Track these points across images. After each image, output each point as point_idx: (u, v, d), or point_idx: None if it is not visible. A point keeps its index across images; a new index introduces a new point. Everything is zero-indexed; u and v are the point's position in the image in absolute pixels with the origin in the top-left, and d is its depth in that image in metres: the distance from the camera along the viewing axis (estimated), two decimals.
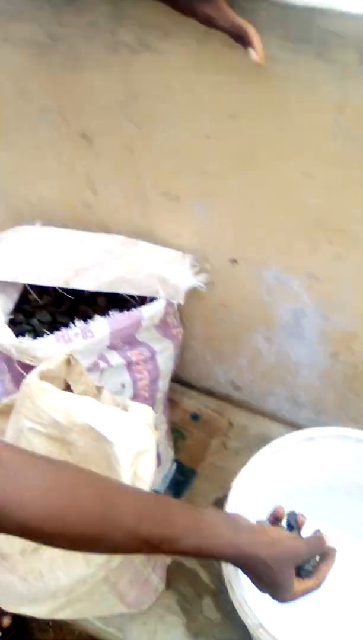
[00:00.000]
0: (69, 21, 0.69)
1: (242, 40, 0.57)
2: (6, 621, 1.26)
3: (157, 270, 0.91)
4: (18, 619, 1.29)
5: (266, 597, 0.63)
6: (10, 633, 1.26)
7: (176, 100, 0.71)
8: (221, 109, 0.69)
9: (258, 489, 0.87)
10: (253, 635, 0.74)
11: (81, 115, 0.80)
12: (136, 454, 0.71)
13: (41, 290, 1.00)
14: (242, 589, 0.73)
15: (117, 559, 0.76)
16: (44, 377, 0.73)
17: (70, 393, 0.73)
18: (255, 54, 0.57)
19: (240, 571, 0.72)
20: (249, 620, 0.72)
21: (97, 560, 0.73)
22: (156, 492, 1.11)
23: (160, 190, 0.84)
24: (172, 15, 0.60)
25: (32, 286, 0.99)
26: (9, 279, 0.94)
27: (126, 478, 0.69)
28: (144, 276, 0.91)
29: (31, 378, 0.72)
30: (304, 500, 0.96)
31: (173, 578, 1.02)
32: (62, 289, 0.98)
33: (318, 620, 0.90)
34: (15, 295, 1.01)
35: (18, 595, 0.80)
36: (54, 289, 0.99)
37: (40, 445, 0.71)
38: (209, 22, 0.58)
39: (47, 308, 1.03)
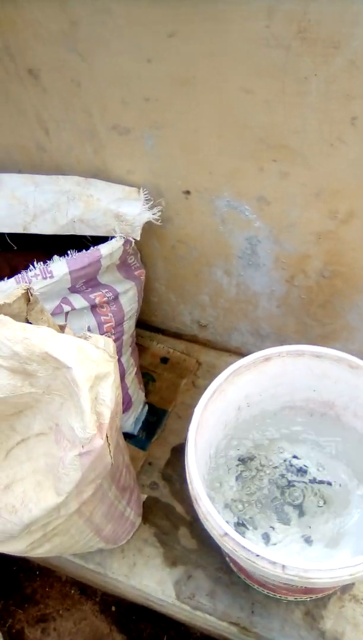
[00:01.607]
0: None
1: None
2: None
3: (112, 207, 0.89)
4: (3, 568, 1.29)
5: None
6: None
7: (116, 23, 0.69)
8: (160, 29, 0.68)
9: (220, 411, 0.87)
10: (221, 545, 0.74)
11: (26, 50, 0.78)
12: (96, 377, 0.71)
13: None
14: (205, 504, 0.73)
15: (88, 490, 0.76)
16: (2, 312, 0.72)
17: (27, 324, 0.72)
18: None
19: (202, 487, 0.73)
20: (215, 532, 0.72)
21: (65, 488, 0.73)
22: (128, 434, 1.11)
23: (110, 124, 0.82)
24: None
25: None
26: None
27: (86, 402, 0.68)
28: (100, 215, 0.90)
29: None
30: (268, 423, 0.97)
31: (149, 512, 1.03)
32: (16, 238, 0.97)
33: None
34: None
35: None
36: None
37: (2, 380, 0.70)
38: None
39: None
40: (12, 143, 0.93)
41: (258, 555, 0.69)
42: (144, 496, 1.04)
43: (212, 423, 0.85)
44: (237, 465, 0.99)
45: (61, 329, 0.84)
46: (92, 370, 0.68)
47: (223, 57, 0.68)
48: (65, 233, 0.91)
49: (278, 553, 0.91)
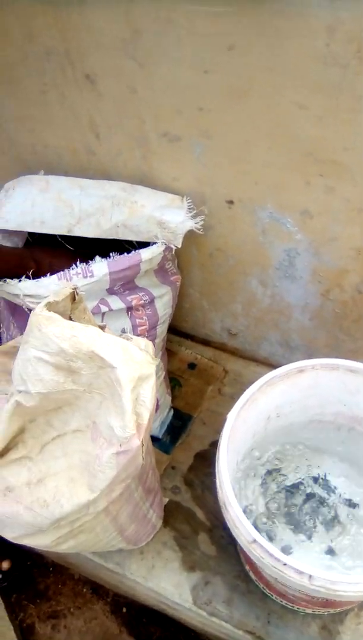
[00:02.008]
0: None
1: None
2: (5, 565, 1.26)
3: (156, 214, 0.90)
4: (18, 562, 1.29)
5: None
6: (11, 576, 1.26)
7: (177, 34, 0.71)
8: (219, 41, 0.69)
9: (251, 420, 0.87)
10: (247, 552, 0.74)
11: (86, 56, 0.79)
12: (138, 378, 0.71)
13: (45, 238, 1.01)
14: (234, 509, 0.73)
15: (118, 489, 0.76)
16: (50, 309, 0.74)
17: (76, 322, 0.73)
18: None
19: (232, 493, 0.73)
20: (242, 538, 0.72)
21: (99, 485, 0.74)
22: (153, 437, 1.12)
23: (161, 131, 0.84)
24: None
25: (36, 235, 0.99)
26: (13, 228, 0.94)
27: (128, 402, 0.69)
28: (143, 221, 0.91)
29: (39, 308, 0.72)
30: (295, 434, 0.97)
31: (170, 516, 1.03)
32: (63, 237, 0.99)
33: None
34: (20, 244, 1.02)
35: (23, 526, 0.80)
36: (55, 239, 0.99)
37: (46, 375, 0.71)
38: None
39: None
40: (63, 145, 0.95)
41: (285, 564, 0.69)
42: (166, 499, 1.04)
43: (242, 431, 0.85)
44: (261, 475, 0.99)
45: (101, 329, 0.85)
46: (135, 371, 0.69)
47: (279, 72, 0.69)
48: (108, 237, 0.92)
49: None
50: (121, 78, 0.80)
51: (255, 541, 0.71)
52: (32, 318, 0.71)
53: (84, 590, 1.27)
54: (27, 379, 0.71)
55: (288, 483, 0.97)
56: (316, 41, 0.64)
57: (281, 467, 0.99)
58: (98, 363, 0.69)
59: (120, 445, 0.70)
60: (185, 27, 0.69)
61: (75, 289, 0.76)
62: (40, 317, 0.69)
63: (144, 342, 0.77)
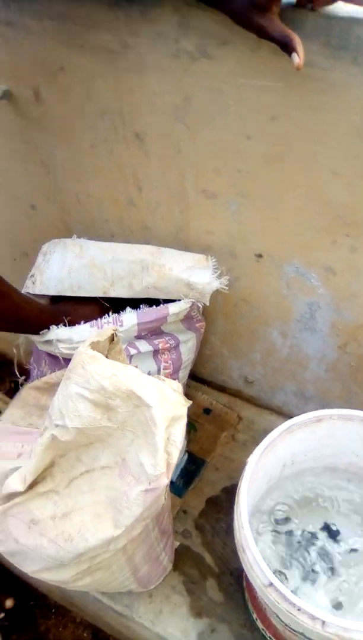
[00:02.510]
0: (140, 30, 0.76)
1: (287, 48, 0.64)
2: (9, 603, 1.23)
3: (183, 276, 0.95)
4: (22, 601, 1.25)
5: None
6: (13, 615, 1.22)
7: (225, 103, 0.77)
8: (264, 111, 0.75)
9: (268, 466, 0.88)
10: (262, 596, 0.74)
11: (138, 117, 0.86)
12: (171, 419, 0.73)
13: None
14: (252, 551, 0.73)
15: (138, 528, 0.76)
16: (93, 348, 0.76)
17: (116, 362, 0.75)
18: (297, 59, 0.63)
19: (251, 535, 0.73)
20: (259, 581, 0.72)
21: (124, 522, 0.74)
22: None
23: (200, 188, 0.89)
24: (230, 26, 0.66)
25: None
26: (53, 293, 1.00)
27: (161, 440, 0.71)
28: (172, 284, 0.96)
29: (84, 347, 0.75)
30: (308, 481, 0.98)
31: (179, 560, 1.02)
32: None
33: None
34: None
35: (45, 559, 0.80)
36: None
37: (84, 410, 0.73)
38: (261, 31, 0.64)
39: None
40: (105, 195, 1.00)
41: (299, 609, 0.69)
42: (177, 543, 1.03)
43: (259, 477, 0.86)
44: (272, 521, 0.98)
45: None
46: (169, 411, 0.71)
47: (316, 141, 0.74)
48: (140, 297, 0.97)
49: None
50: (168, 138, 0.86)
51: (271, 584, 0.71)
52: (77, 356, 0.73)
53: (85, 634, 1.23)
54: (66, 413, 0.73)
55: (298, 531, 0.96)
56: (353, 117, 0.70)
57: (292, 514, 0.99)
58: (135, 402, 0.71)
59: (149, 482, 0.71)
60: (233, 98, 0.76)
61: (115, 331, 0.79)
62: (84, 356, 0.72)
63: (176, 384, 0.79)
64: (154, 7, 0.73)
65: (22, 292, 1.01)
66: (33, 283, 1.02)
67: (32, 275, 1.03)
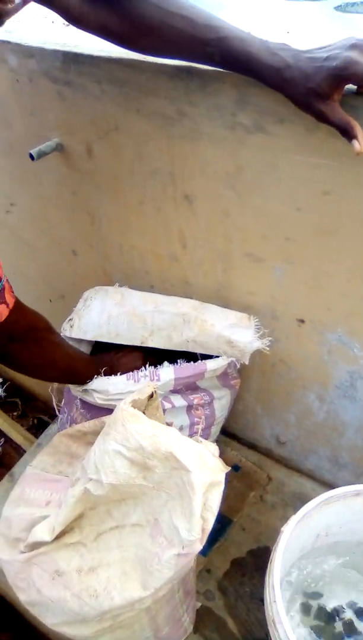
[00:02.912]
0: (198, 101, 0.80)
1: (347, 133, 0.67)
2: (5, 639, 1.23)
3: (225, 333, 0.97)
4: (19, 638, 1.25)
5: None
6: None
7: (278, 176, 0.80)
8: (316, 186, 0.78)
9: (302, 537, 0.89)
10: None
11: (188, 180, 0.89)
12: (209, 485, 0.75)
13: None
14: (285, 627, 0.74)
15: (165, 589, 0.77)
16: (133, 405, 0.79)
17: (157, 422, 0.78)
18: (358, 145, 0.66)
19: (284, 610, 0.73)
20: None
21: (154, 584, 0.75)
22: None
23: (246, 251, 0.92)
24: (288, 105, 0.70)
25: None
26: (90, 339, 1.04)
27: (198, 506, 0.72)
28: (213, 339, 0.98)
29: (124, 404, 0.77)
30: (340, 555, 0.98)
31: (200, 622, 1.02)
32: None
33: None
34: (89, 347, 1.10)
35: (67, 613, 0.81)
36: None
37: (121, 468, 0.75)
38: (321, 117, 0.67)
39: None
40: (148, 249, 1.04)
41: None
42: (199, 604, 1.03)
43: (292, 546, 0.86)
44: (303, 593, 0.98)
45: (168, 426, 0.89)
46: (207, 477, 0.73)
47: None
48: (178, 349, 0.99)
49: None
50: (217, 203, 0.89)
51: None
52: (117, 413, 0.76)
53: None
54: (101, 469, 0.75)
55: (329, 607, 0.96)
56: None
57: (322, 586, 0.98)
58: (173, 464, 0.73)
59: (183, 547, 0.72)
60: (286, 172, 0.79)
61: (155, 389, 0.81)
62: (125, 413, 0.74)
63: (214, 447, 0.81)
64: (214, 81, 0.77)
65: (61, 333, 1.04)
66: (71, 327, 1.05)
67: (71, 319, 1.06)
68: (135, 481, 0.75)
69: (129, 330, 1.02)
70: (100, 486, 0.76)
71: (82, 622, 0.81)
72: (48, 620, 0.85)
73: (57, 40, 0.92)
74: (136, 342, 1.01)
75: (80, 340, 1.07)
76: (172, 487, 0.74)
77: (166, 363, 0.98)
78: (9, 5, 0.65)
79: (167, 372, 0.97)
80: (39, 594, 0.81)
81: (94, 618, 0.79)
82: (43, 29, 0.99)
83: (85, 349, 1.08)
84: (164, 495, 0.76)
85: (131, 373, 0.96)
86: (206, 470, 0.73)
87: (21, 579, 0.83)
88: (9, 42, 0.94)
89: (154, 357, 1.03)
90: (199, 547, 0.72)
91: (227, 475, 1.19)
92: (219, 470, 0.75)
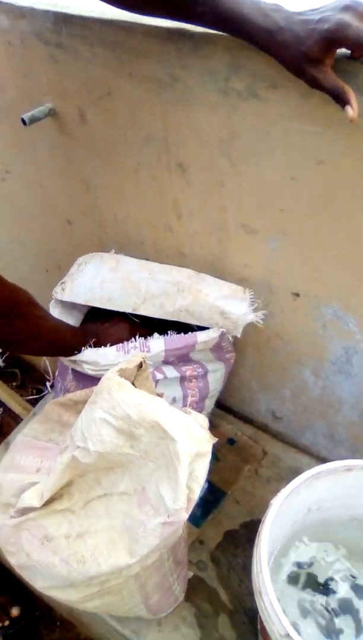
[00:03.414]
0: (190, 65, 0.80)
1: (340, 99, 0.67)
2: (15, 611, 1.29)
3: (218, 303, 0.99)
4: (27, 611, 1.32)
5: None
6: (18, 624, 1.28)
7: (272, 143, 0.80)
8: (311, 155, 0.78)
9: (292, 510, 0.91)
10: None
11: (182, 147, 0.90)
12: (195, 455, 0.77)
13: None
14: (270, 598, 0.77)
15: (153, 557, 0.81)
16: (121, 374, 0.81)
17: (144, 392, 0.80)
18: (351, 111, 0.66)
19: (270, 580, 0.76)
20: (275, 629, 0.75)
21: (140, 551, 0.78)
22: None
23: (241, 222, 0.93)
24: (282, 70, 0.70)
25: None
26: (82, 302, 1.05)
27: (183, 475, 0.75)
28: (206, 309, 0.99)
29: (111, 373, 0.80)
30: (332, 530, 1.00)
31: (192, 591, 1.05)
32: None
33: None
34: (80, 318, 1.12)
35: (55, 578, 0.85)
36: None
37: (107, 436, 0.78)
38: (314, 82, 0.67)
39: None
40: (144, 219, 1.05)
41: None
42: (191, 574, 1.07)
43: (283, 519, 0.89)
44: (294, 569, 1.01)
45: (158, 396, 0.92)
46: (194, 447, 0.75)
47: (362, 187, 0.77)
48: (170, 319, 1.01)
49: None
50: (211, 171, 0.90)
51: (287, 635, 0.74)
52: (104, 382, 0.78)
53: None
54: (88, 437, 0.78)
55: (321, 581, 0.99)
56: None
57: (315, 562, 1.01)
58: (160, 434, 0.75)
59: (168, 516, 0.75)
60: (281, 140, 0.79)
61: (144, 358, 0.84)
62: (112, 382, 0.77)
63: (203, 418, 0.83)
64: (206, 44, 0.77)
65: (52, 298, 1.06)
66: (63, 290, 1.07)
67: (63, 282, 1.08)
68: (122, 450, 0.78)
69: (121, 296, 1.03)
70: (87, 454, 0.79)
71: (71, 587, 0.85)
72: (38, 584, 0.89)
73: (49, 1, 0.92)
74: (128, 309, 1.02)
75: (72, 306, 1.09)
76: (159, 456, 0.77)
77: (156, 334, 1.00)
78: None
79: (157, 344, 0.98)
80: (28, 558, 0.85)
81: (81, 583, 0.83)
82: None
83: (77, 317, 1.09)
84: (151, 465, 0.78)
85: (120, 344, 0.98)
86: (192, 440, 0.75)
87: (11, 543, 0.87)
88: (0, 2, 0.95)
89: (147, 328, 1.04)
90: (184, 516, 0.75)
91: (220, 447, 1.24)
92: (206, 441, 0.78)
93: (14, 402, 1.73)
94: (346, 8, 0.63)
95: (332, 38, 0.63)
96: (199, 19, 0.72)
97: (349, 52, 0.67)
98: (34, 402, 1.75)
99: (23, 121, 0.98)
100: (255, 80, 0.76)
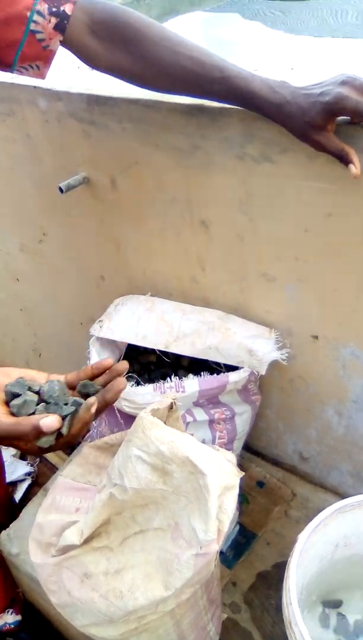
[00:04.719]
0: (209, 135, 0.90)
1: (344, 159, 0.75)
2: None
3: (246, 342, 1.05)
4: None
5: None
6: None
7: (285, 200, 0.89)
8: (320, 209, 0.87)
9: (319, 545, 0.94)
10: None
11: (204, 207, 0.99)
12: (224, 488, 0.82)
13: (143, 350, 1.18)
14: (301, 629, 0.79)
15: (187, 593, 0.84)
16: (153, 414, 0.88)
17: (175, 429, 0.86)
18: (354, 169, 0.75)
19: (299, 612, 0.79)
20: None
21: (175, 584, 0.82)
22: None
23: (260, 272, 1.01)
24: (291, 137, 0.79)
25: (136, 346, 1.16)
26: (118, 339, 1.12)
27: (213, 508, 0.80)
28: (234, 347, 1.05)
29: (144, 413, 0.86)
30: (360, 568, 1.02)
31: (226, 634, 1.07)
32: (160, 351, 1.15)
33: None
34: (117, 353, 1.19)
35: (95, 614, 0.88)
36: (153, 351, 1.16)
37: (142, 472, 0.83)
38: (319, 147, 0.76)
39: (147, 365, 1.20)
40: (170, 272, 1.14)
41: None
42: (224, 615, 1.09)
43: (310, 555, 0.92)
44: (322, 605, 1.03)
45: None
46: (222, 480, 0.80)
47: None
48: (200, 357, 1.07)
49: None
50: (231, 227, 0.98)
51: None
52: (138, 421, 0.85)
53: None
54: (124, 474, 0.83)
55: (350, 619, 1.00)
56: None
57: (345, 600, 1.03)
58: (190, 468, 0.81)
59: (200, 547, 0.80)
60: (293, 197, 0.88)
61: (174, 400, 0.90)
62: (145, 421, 0.83)
63: (230, 455, 0.89)
64: (223, 116, 0.87)
65: (90, 334, 1.13)
66: (100, 327, 1.13)
67: (100, 321, 1.15)
68: (156, 486, 0.83)
69: (155, 334, 1.09)
70: (124, 491, 0.84)
71: (109, 623, 0.89)
72: (77, 621, 0.92)
73: (83, 84, 1.04)
74: (161, 347, 1.08)
75: (110, 344, 1.15)
76: (190, 490, 0.82)
77: (190, 375, 1.07)
78: None
79: (192, 384, 1.04)
80: (69, 595, 0.89)
81: (120, 619, 0.87)
82: (69, 74, 1.13)
83: (116, 355, 1.16)
84: (184, 499, 0.83)
85: (157, 384, 1.04)
86: (221, 474, 0.80)
87: (52, 582, 0.91)
88: (40, 87, 1.07)
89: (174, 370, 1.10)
90: (216, 547, 0.79)
91: (250, 490, 1.27)
92: (233, 475, 0.83)
93: (51, 453, 1.78)
94: (343, 82, 0.72)
95: (332, 109, 0.72)
96: (216, 96, 0.83)
97: (349, 118, 0.77)
98: (69, 453, 1.80)
99: (60, 189, 1.09)
100: (267, 146, 0.85)
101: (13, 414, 0.71)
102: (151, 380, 1.11)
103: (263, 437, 1.29)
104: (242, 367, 1.05)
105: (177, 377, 1.05)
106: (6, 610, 1.29)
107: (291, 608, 0.81)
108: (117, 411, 1.09)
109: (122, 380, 0.78)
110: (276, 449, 1.29)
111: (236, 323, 1.09)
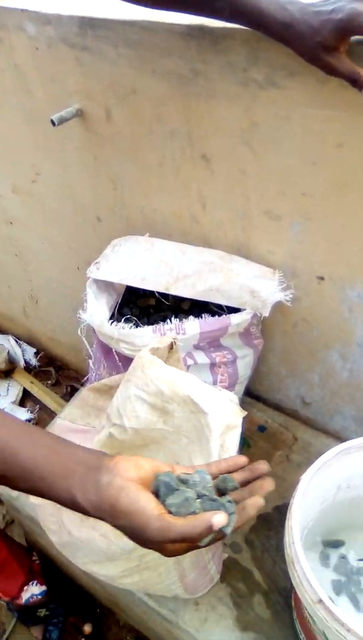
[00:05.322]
0: (210, 59, 0.84)
1: (357, 83, 0.70)
2: (88, 628, 1.34)
3: (248, 283, 1.02)
4: (97, 627, 1.36)
5: None
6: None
7: (291, 129, 0.84)
8: (330, 139, 0.82)
9: (322, 487, 0.94)
10: (312, 613, 0.79)
11: (205, 139, 0.94)
12: (226, 427, 0.81)
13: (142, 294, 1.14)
14: (303, 566, 0.80)
15: None
16: (153, 353, 0.85)
17: (175, 368, 0.84)
18: None
19: (302, 550, 0.79)
20: (308, 597, 0.78)
21: None
22: None
23: (264, 209, 0.96)
24: (298, 58, 0.73)
25: (135, 289, 1.13)
26: (116, 281, 1.09)
27: (215, 447, 0.79)
28: (236, 288, 1.02)
29: (144, 352, 0.84)
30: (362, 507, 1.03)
31: (227, 572, 1.08)
32: (160, 293, 1.12)
33: None
34: (115, 296, 1.16)
35: (96, 552, 0.89)
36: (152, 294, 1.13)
37: (142, 412, 0.82)
38: (330, 69, 0.71)
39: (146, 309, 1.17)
40: (170, 211, 1.09)
41: (349, 630, 0.74)
42: (225, 555, 1.10)
43: (312, 496, 0.91)
44: (324, 546, 1.04)
45: None
46: (224, 419, 0.79)
47: None
48: (201, 299, 1.04)
49: None
50: (233, 160, 0.94)
51: (320, 601, 0.76)
52: (137, 360, 0.83)
53: (127, 637, 1.32)
54: (124, 414, 0.82)
55: (352, 558, 1.01)
56: None
57: (345, 540, 1.04)
58: (191, 407, 0.79)
59: None
60: (300, 126, 0.83)
61: (174, 339, 0.88)
62: (144, 360, 0.81)
63: (233, 395, 0.87)
64: (225, 38, 0.81)
65: (87, 276, 1.09)
66: (97, 269, 1.09)
67: (97, 262, 1.10)
68: (156, 425, 0.82)
69: (155, 275, 1.05)
70: (123, 431, 0.83)
71: (110, 561, 0.89)
72: (78, 560, 0.93)
73: (74, 6, 0.97)
74: (161, 288, 1.05)
75: (107, 287, 1.12)
76: (191, 430, 0.81)
77: (191, 317, 1.04)
78: None
79: (192, 326, 1.01)
80: (69, 535, 0.90)
81: (120, 557, 0.87)
82: None
83: (112, 299, 1.13)
84: (184, 439, 0.82)
85: (156, 326, 1.01)
86: (223, 414, 0.79)
87: (53, 522, 0.92)
88: (27, 10, 1.00)
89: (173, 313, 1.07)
90: None
91: (251, 434, 1.27)
92: (236, 414, 0.81)
93: (50, 400, 1.79)
94: None
95: (346, 27, 0.67)
96: (218, 14, 0.76)
97: None
98: (68, 399, 1.81)
99: (52, 122, 1.03)
100: (273, 69, 0.80)
101: (170, 512, 0.61)
102: (150, 324, 1.09)
103: (264, 381, 1.27)
104: (244, 309, 1.03)
105: (177, 319, 1.02)
106: (30, 582, 1.31)
107: (293, 547, 0.81)
108: (115, 354, 1.07)
109: (270, 481, 0.70)
110: (278, 394, 1.27)
111: (239, 264, 1.05)
